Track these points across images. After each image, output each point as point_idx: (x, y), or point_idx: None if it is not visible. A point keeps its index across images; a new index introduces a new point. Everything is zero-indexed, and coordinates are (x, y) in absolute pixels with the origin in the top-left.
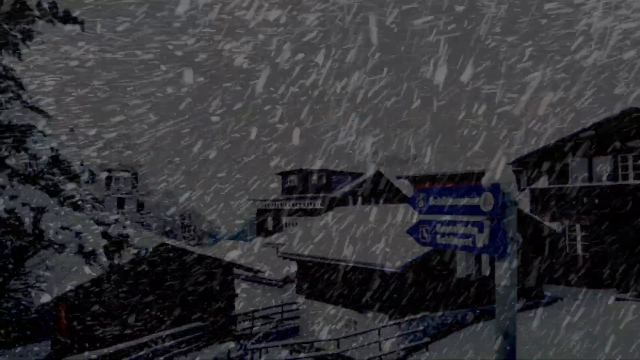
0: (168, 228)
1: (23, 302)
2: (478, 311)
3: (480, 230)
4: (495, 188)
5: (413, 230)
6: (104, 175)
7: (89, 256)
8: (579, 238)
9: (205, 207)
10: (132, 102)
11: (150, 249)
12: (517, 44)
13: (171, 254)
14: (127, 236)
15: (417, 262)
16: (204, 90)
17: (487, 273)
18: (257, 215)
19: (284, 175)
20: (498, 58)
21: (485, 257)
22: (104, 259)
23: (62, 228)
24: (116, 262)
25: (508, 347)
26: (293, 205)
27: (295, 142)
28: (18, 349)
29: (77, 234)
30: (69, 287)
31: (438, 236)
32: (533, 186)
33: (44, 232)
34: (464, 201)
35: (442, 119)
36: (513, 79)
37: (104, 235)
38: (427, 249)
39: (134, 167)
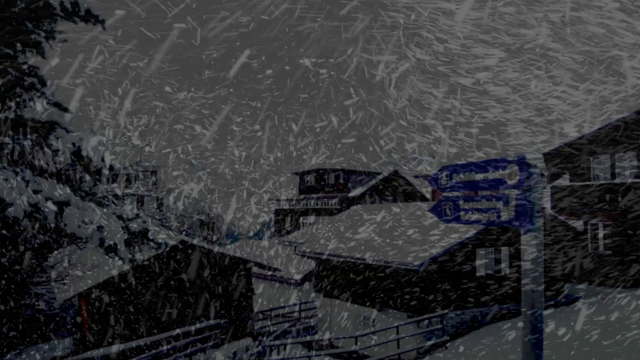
0: (187, 227)
1: (46, 298)
2: (498, 310)
3: (506, 203)
4: (521, 160)
5: (436, 209)
6: (124, 173)
7: (111, 250)
8: (601, 236)
9: (224, 207)
10: (152, 101)
11: (170, 244)
12: None
13: (190, 252)
14: (148, 231)
15: (437, 260)
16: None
17: (507, 272)
18: (274, 215)
19: (301, 175)
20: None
21: (505, 256)
22: (125, 253)
23: (84, 222)
24: (137, 256)
25: (537, 323)
26: (310, 205)
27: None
28: (41, 345)
29: (99, 227)
30: (90, 283)
31: (462, 212)
32: (554, 183)
33: (66, 226)
34: (489, 175)
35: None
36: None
37: (125, 229)
38: (446, 246)
39: (154, 166)
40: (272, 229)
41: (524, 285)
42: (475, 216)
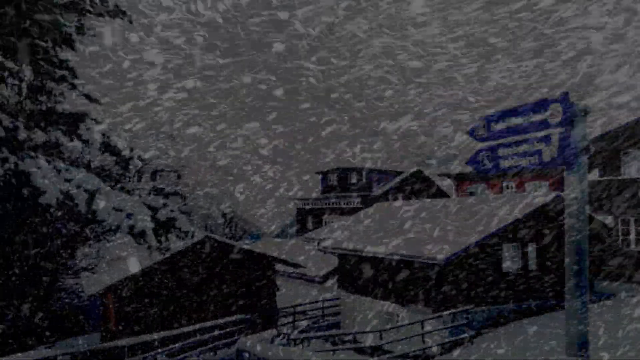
0: (209, 225)
1: (74, 290)
2: (524, 307)
3: (548, 144)
4: (564, 98)
5: (473, 161)
6: (150, 168)
7: (139, 236)
8: (632, 232)
9: (246, 206)
10: (176, 98)
11: (196, 233)
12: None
13: (215, 248)
14: (175, 220)
15: (462, 255)
16: (248, 85)
17: (534, 267)
18: (297, 215)
19: (324, 174)
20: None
21: (532, 251)
22: (153, 240)
23: (114, 209)
24: (164, 244)
25: (579, 264)
26: (333, 204)
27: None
28: (70, 340)
29: (128, 214)
30: (118, 277)
31: (501, 160)
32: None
33: (97, 212)
34: (530, 118)
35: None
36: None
37: (153, 218)
38: (472, 241)
39: (180, 159)
40: (295, 228)
41: (568, 220)
42: (515, 161)
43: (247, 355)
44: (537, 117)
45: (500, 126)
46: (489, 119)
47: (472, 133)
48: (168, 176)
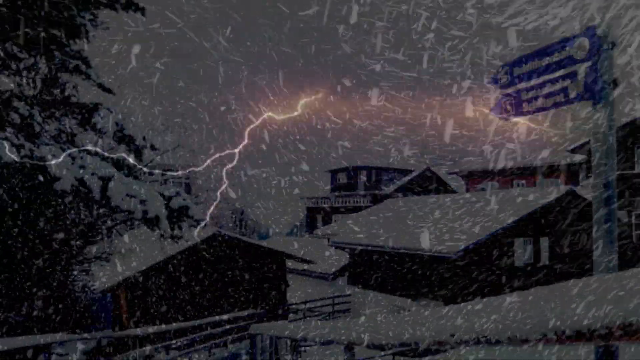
0: (219, 223)
1: (85, 285)
2: None
3: (573, 80)
4: (590, 30)
5: (495, 109)
6: (160, 166)
7: (153, 223)
8: None
9: (255, 205)
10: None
11: (208, 222)
12: None
13: (225, 243)
14: (188, 207)
15: (474, 249)
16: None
17: (547, 261)
18: (306, 213)
19: (334, 172)
20: None
21: (544, 246)
22: (167, 227)
23: (128, 195)
24: (176, 232)
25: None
26: (343, 202)
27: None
28: (82, 336)
29: (142, 201)
30: (130, 272)
31: (524, 104)
32: None
33: (111, 199)
34: (554, 58)
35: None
36: None
37: (166, 206)
38: (483, 235)
39: (187, 166)
40: (305, 227)
41: (594, 155)
42: (539, 103)
43: (259, 337)
44: (562, 55)
45: (523, 70)
46: (512, 64)
47: (494, 81)
48: (177, 174)
